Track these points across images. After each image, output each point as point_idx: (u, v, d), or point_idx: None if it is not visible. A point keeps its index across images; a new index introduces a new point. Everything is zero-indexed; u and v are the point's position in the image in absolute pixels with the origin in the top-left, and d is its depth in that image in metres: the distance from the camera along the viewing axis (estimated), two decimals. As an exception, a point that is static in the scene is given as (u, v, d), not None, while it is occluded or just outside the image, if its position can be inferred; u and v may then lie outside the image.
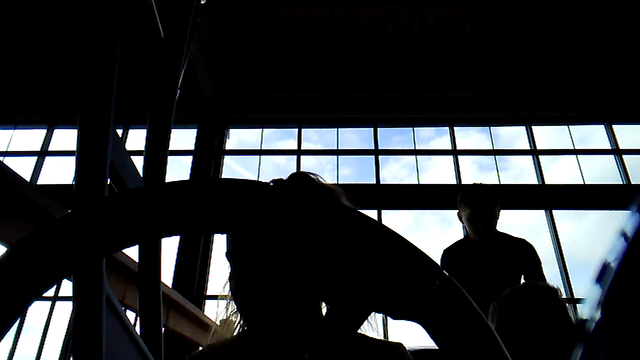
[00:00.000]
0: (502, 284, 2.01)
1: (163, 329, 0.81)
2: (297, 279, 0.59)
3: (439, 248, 2.57)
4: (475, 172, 7.26)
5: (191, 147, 7.10)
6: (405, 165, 7.28)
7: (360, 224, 0.27)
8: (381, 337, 0.67)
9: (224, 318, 0.70)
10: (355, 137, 7.55)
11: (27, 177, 6.81)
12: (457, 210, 2.32)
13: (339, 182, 6.92)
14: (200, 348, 1.95)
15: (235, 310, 0.68)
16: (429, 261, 0.27)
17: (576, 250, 6.74)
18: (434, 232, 7.38)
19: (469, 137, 7.58)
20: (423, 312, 0.26)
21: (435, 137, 7.55)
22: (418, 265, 0.27)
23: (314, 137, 7.85)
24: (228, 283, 0.66)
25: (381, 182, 6.90)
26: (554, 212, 6.51)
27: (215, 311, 0.71)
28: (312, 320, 0.62)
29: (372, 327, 0.67)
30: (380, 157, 7.18)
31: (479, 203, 2.17)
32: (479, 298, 2.03)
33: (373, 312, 0.66)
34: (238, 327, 0.69)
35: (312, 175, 0.71)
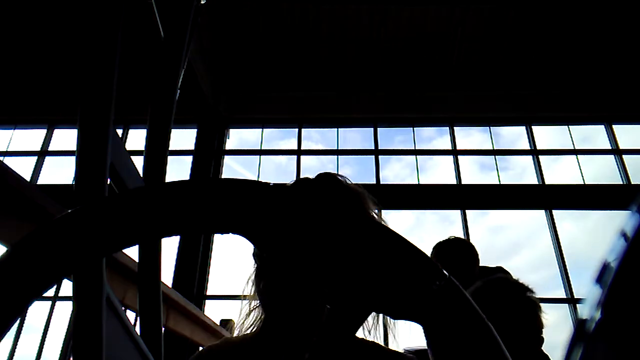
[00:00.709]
0: None
1: (163, 329, 0.81)
2: (316, 279, 0.59)
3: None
4: (476, 171, 7.27)
5: (191, 147, 7.10)
6: (408, 164, 7.29)
7: (361, 225, 0.27)
8: (380, 340, 0.67)
9: (243, 319, 0.70)
10: (359, 136, 7.55)
11: (27, 177, 6.81)
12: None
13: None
14: (199, 347, 1.95)
15: (255, 307, 0.69)
16: (428, 261, 0.27)
17: (579, 249, 6.75)
18: (435, 232, 7.38)
19: (471, 136, 7.58)
20: (423, 311, 0.26)
21: (437, 136, 7.56)
22: (418, 265, 0.27)
23: (315, 137, 7.85)
24: (253, 282, 0.66)
25: (383, 182, 6.90)
26: (555, 211, 6.51)
27: (239, 311, 0.71)
28: (314, 320, 0.62)
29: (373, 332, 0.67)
30: (382, 156, 7.19)
31: (453, 268, 1.86)
32: None
33: (374, 314, 0.66)
34: (255, 325, 0.70)
35: (339, 177, 0.70)
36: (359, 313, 0.57)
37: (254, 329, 0.69)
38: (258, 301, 0.68)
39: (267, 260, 0.61)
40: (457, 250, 1.94)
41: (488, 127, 7.41)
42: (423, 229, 7.52)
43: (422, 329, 0.27)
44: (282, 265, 0.58)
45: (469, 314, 0.26)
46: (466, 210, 6.60)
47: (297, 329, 0.60)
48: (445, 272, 0.27)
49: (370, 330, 0.67)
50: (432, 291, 0.26)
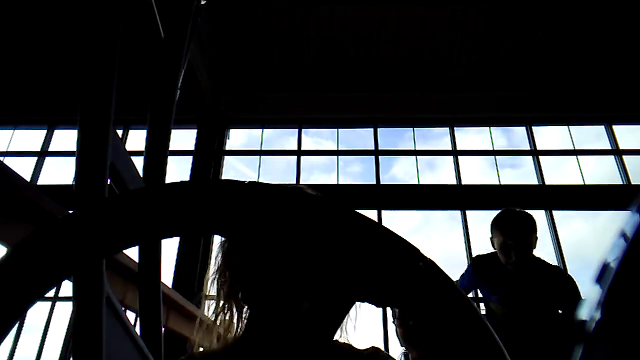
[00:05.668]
0: (538, 317, 1.94)
1: (163, 329, 0.81)
2: (297, 275, 0.58)
3: (447, 245, 2.51)
4: (485, 170, 7.25)
5: (191, 147, 7.09)
6: (418, 160, 7.29)
7: (339, 216, 0.27)
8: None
9: (211, 322, 0.68)
10: (369, 133, 7.52)
11: (27, 177, 6.81)
12: (490, 236, 2.09)
13: (345, 180, 6.96)
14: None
15: (227, 310, 0.67)
16: (408, 245, 0.27)
17: (585, 249, 6.74)
18: (442, 230, 7.37)
19: (483, 132, 7.54)
20: (406, 295, 0.26)
21: (448, 134, 7.51)
22: (398, 249, 0.26)
23: (325, 134, 7.83)
24: (223, 283, 0.66)
25: (385, 182, 6.91)
26: (557, 211, 6.52)
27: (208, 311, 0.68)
28: (295, 320, 0.61)
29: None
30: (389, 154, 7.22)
31: (512, 232, 1.94)
32: (514, 328, 1.96)
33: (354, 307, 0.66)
34: (234, 331, 0.68)
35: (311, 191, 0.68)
36: (340, 306, 0.55)
37: (235, 335, 0.67)
38: (228, 304, 0.66)
39: (246, 260, 0.60)
40: (516, 220, 1.98)
41: (502, 126, 7.45)
42: (430, 227, 7.52)
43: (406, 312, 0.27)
44: (264, 264, 0.58)
45: (451, 296, 0.26)
46: (467, 211, 6.60)
47: (281, 330, 0.60)
48: (425, 255, 0.27)
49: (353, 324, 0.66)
50: (414, 275, 0.26)
